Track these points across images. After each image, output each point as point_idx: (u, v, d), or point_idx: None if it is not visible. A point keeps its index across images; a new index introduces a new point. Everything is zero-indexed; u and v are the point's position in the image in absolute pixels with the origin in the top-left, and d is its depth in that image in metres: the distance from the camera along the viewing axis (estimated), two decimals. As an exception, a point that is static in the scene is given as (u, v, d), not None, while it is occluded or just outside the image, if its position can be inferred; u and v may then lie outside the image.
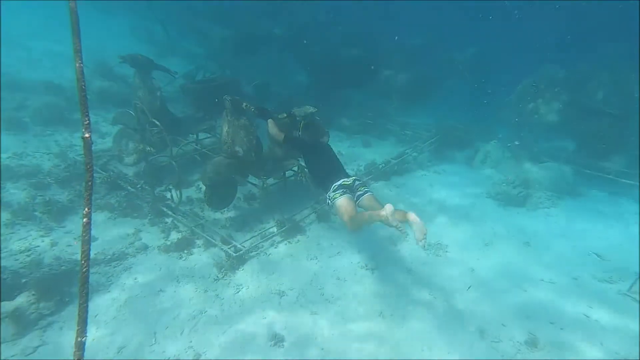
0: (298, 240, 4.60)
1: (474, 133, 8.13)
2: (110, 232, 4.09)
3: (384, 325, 3.43)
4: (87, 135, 1.93)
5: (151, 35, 13.12)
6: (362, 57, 9.20)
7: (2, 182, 4.35)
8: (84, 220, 1.73)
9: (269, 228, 4.67)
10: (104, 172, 4.95)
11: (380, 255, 4.43)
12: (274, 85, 9.16)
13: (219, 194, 4.58)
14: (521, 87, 7.98)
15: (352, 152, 7.65)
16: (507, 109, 8.13)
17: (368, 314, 3.55)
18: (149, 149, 4.38)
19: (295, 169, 5.35)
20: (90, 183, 1.89)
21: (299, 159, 5.23)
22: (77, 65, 2.12)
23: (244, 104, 4.20)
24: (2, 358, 2.63)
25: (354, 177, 3.98)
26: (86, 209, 1.76)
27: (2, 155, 4.94)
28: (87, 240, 1.76)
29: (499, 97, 8.79)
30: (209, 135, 6.05)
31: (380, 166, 6.57)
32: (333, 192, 3.80)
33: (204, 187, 4.49)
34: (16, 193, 4.26)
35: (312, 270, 4.12)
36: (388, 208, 3.13)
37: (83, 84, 2.04)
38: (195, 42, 11.80)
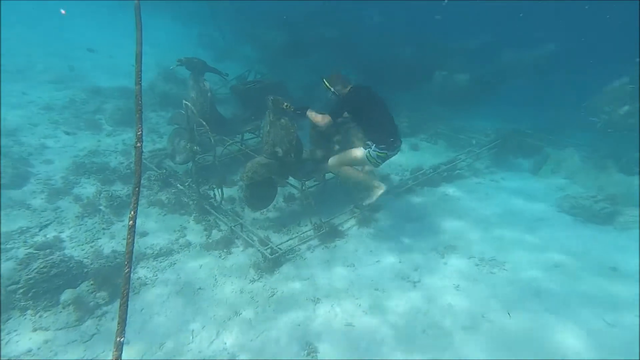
0: (335, 245, 4.41)
1: (542, 138, 7.11)
2: (159, 228, 4.33)
3: (426, 343, 3.09)
4: (139, 144, 1.96)
5: (213, 41, 13.92)
6: (415, 58, 8.65)
7: (78, 177, 4.87)
8: (129, 222, 1.74)
9: (307, 231, 4.55)
10: (158, 170, 5.27)
11: (424, 267, 4.04)
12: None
13: (258, 194, 4.57)
14: (611, 87, 6.73)
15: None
16: (588, 112, 6.94)
17: (408, 332, 3.22)
18: (195, 148, 4.52)
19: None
20: (137, 188, 1.90)
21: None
22: (137, 87, 2.17)
23: (285, 104, 4.10)
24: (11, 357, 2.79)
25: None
26: (132, 212, 1.77)
27: (80, 153, 5.54)
28: (131, 242, 1.76)
29: (572, 99, 7.58)
30: (254, 135, 6.13)
31: (428, 171, 6.04)
32: (376, 148, 4.06)
33: (243, 185, 4.52)
34: (87, 188, 4.73)
35: (348, 278, 3.90)
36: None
37: (140, 101, 2.08)
38: (251, 47, 12.17)
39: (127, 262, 1.70)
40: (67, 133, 5.96)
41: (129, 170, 5.18)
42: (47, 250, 3.32)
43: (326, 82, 4.21)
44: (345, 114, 4.24)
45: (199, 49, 14.30)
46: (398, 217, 5.03)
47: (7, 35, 9.89)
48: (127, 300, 1.62)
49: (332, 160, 4.34)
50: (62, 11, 11.82)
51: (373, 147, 4.05)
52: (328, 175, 5.24)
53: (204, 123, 4.23)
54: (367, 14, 11.66)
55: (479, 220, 4.99)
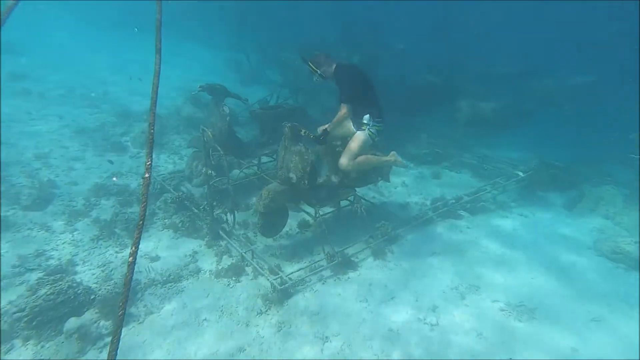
0: (348, 278, 4.19)
1: (576, 173, 6.64)
2: (171, 252, 4.30)
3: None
4: (147, 175, 1.93)
5: (239, 66, 14.49)
6: (438, 85, 8.53)
7: (98, 199, 5.00)
8: (129, 259, 1.65)
9: (319, 261, 4.37)
10: (175, 192, 5.33)
11: (444, 309, 3.73)
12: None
13: (272, 221, 4.48)
14: None
15: (418, 183, 6.96)
16: (632, 146, 6.44)
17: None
18: (210, 172, 4.54)
19: (351, 198, 5.00)
20: (142, 222, 1.84)
21: (355, 189, 4.88)
22: (151, 116, 2.18)
23: (303, 130, 4.05)
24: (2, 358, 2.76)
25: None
26: (133, 248, 1.69)
27: (104, 174, 5.73)
28: (129, 280, 1.67)
29: (609, 132, 7.11)
30: (272, 158, 6.14)
31: (451, 202, 5.73)
32: (374, 123, 4.13)
33: (257, 212, 4.44)
34: (106, 210, 4.82)
35: (361, 315, 3.66)
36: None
37: (153, 129, 2.07)
38: (277, 71, 12.53)
39: (122, 305, 1.61)
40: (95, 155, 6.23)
41: (147, 192, 5.26)
42: (58, 276, 3.33)
43: (312, 65, 4.13)
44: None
45: (227, 73, 14.96)
46: (416, 250, 4.75)
47: (52, 61, 10.80)
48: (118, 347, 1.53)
49: (343, 160, 4.20)
50: (135, 29, 12.71)
51: (371, 123, 4.10)
52: (343, 203, 5.10)
53: (219, 147, 4.24)
54: (391, 42, 11.79)
55: (506, 259, 4.62)
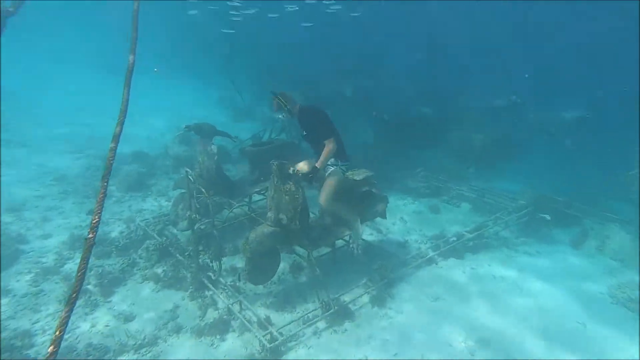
0: (345, 330, 3.85)
1: (577, 208, 6.52)
2: (149, 309, 3.96)
3: None
4: (90, 235, 1.71)
5: (233, 102, 14.75)
6: (433, 117, 8.65)
7: (73, 252, 4.71)
8: (50, 349, 1.42)
9: (313, 310, 4.04)
10: (158, 238, 5.06)
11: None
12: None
13: (261, 266, 4.19)
14: None
15: (417, 218, 6.76)
16: (628, 182, 6.38)
17: None
18: (194, 216, 4.32)
19: (347, 238, 4.77)
20: (77, 290, 1.62)
21: (351, 227, 4.66)
22: (109, 155, 2.01)
23: (291, 168, 3.91)
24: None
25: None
26: (57, 332, 1.46)
27: (82, 223, 5.48)
28: None
29: (608, 165, 7.11)
30: (264, 196, 5.96)
31: (452, 239, 5.50)
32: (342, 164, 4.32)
33: (244, 258, 4.15)
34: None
35: (360, 376, 3.28)
36: None
37: (106, 183, 1.88)
38: (270, 106, 12.75)
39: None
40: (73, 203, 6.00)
41: (128, 240, 5.01)
42: (7, 354, 2.97)
43: (281, 99, 4.17)
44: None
45: (219, 109, 15.21)
46: (418, 295, 4.45)
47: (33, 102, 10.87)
48: None
49: (322, 200, 4.26)
50: (155, 69, 12.91)
51: (339, 164, 4.23)
52: (338, 243, 4.86)
53: (203, 190, 4.06)
54: (383, 75, 12.16)
55: (515, 307, 4.30)
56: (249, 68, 15.89)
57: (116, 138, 2.05)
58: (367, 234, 5.95)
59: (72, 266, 4.46)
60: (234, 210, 5.51)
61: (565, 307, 4.33)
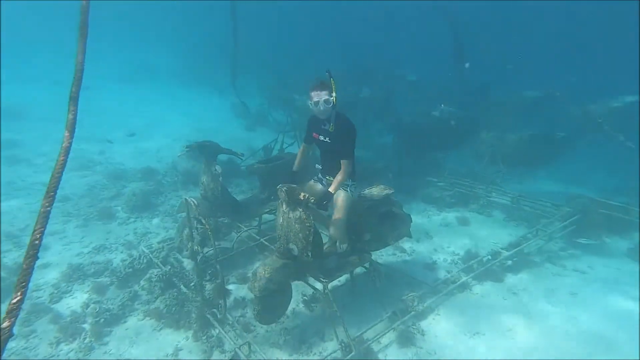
0: (369, 378, 3.38)
1: (633, 212, 5.79)
2: (148, 352, 3.63)
3: None
4: (5, 324, 1.36)
5: (245, 110, 14.58)
6: (457, 115, 8.05)
7: (70, 284, 4.48)
8: None
9: (332, 352, 3.61)
10: (162, 267, 4.77)
11: None
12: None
13: (271, 304, 3.79)
14: None
15: (444, 232, 6.22)
16: None
17: None
18: (196, 247, 3.99)
19: (367, 265, 4.31)
20: None
21: (371, 253, 4.21)
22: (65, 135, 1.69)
23: (302, 194, 3.47)
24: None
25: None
26: None
27: (84, 250, 5.27)
28: None
29: None
30: (275, 216, 5.60)
31: (486, 258, 4.94)
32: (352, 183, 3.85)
33: (252, 296, 3.76)
34: (76, 299, 4.27)
35: None
36: None
37: (37, 247, 1.54)
38: (284, 113, 12.44)
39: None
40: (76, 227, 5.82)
41: (130, 270, 4.74)
42: None
43: (333, 84, 3.42)
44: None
45: (232, 118, 15.08)
46: (452, 329, 3.94)
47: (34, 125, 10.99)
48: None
49: (334, 230, 3.80)
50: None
51: (350, 184, 3.78)
52: (358, 270, 4.41)
53: (204, 221, 3.72)
54: (402, 73, 11.65)
55: (569, 336, 3.72)
56: (260, 74, 15.73)
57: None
58: (389, 254, 5.48)
59: (69, 301, 4.22)
60: (243, 234, 5.19)
61: (630, 333, 3.70)
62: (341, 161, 3.56)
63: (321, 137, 3.72)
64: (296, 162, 4.05)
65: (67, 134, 1.82)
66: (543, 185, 8.68)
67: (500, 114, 8.64)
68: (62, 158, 1.74)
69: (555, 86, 8.56)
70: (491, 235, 6.09)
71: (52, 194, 1.68)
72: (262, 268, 3.66)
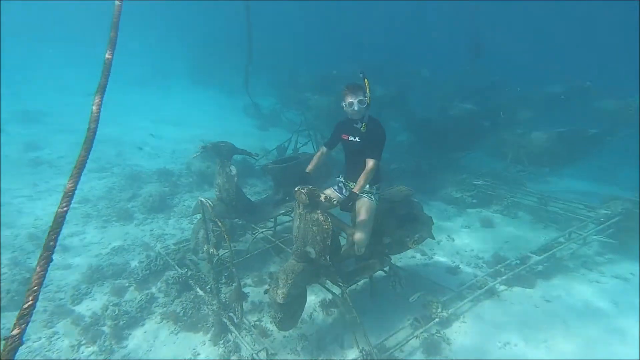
0: (393, 389, 3.26)
1: None
2: (167, 356, 3.61)
3: None
4: (15, 331, 1.31)
5: (258, 110, 14.59)
6: (476, 113, 7.79)
7: (90, 286, 4.53)
8: None
9: (352, 360, 3.50)
10: (179, 269, 4.77)
11: None
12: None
13: (292, 310, 3.70)
14: None
15: (466, 235, 6.02)
16: None
17: None
18: (212, 250, 3.96)
19: (386, 269, 4.18)
20: None
21: (390, 256, 4.08)
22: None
23: (323, 195, 3.36)
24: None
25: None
26: None
27: (102, 251, 5.33)
28: None
29: None
30: (291, 217, 5.53)
31: (515, 263, 4.73)
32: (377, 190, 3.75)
33: (273, 303, 3.66)
34: (96, 301, 4.32)
35: None
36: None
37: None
38: (297, 112, 12.40)
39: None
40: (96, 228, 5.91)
41: (147, 272, 4.76)
42: None
43: (367, 84, 3.41)
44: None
45: (244, 118, 15.14)
46: (480, 338, 3.77)
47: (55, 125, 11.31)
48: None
49: (359, 236, 3.62)
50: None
51: (374, 191, 3.68)
52: (377, 274, 4.28)
53: (220, 223, 3.67)
54: (416, 68, 11.41)
55: (612, 351, 3.49)
56: (273, 73, 15.73)
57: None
58: (409, 257, 5.33)
59: (89, 303, 4.27)
60: (258, 236, 5.14)
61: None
62: (367, 160, 3.45)
63: (351, 138, 3.64)
64: (311, 163, 3.94)
65: (92, 125, 1.79)
66: (569, 184, 8.31)
67: (524, 110, 8.34)
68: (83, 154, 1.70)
69: (581, 79, 8.19)
70: (517, 237, 5.85)
71: (70, 194, 1.64)
72: (283, 274, 3.56)
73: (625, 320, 3.94)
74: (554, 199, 6.49)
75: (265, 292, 4.38)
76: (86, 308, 4.18)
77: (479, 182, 7.13)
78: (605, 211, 5.50)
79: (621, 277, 4.66)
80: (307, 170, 3.86)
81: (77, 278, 4.63)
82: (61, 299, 4.27)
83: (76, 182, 1.71)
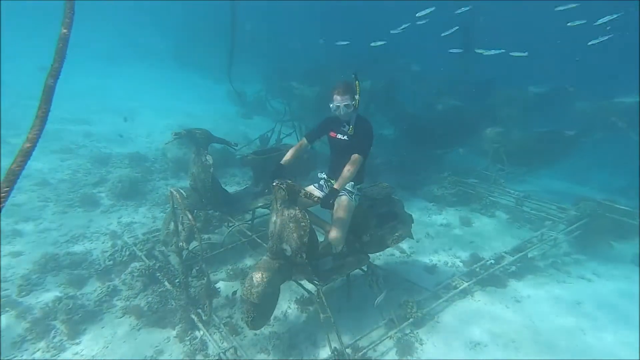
0: (365, 391, 3.18)
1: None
2: (125, 354, 3.39)
3: None
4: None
5: (241, 99, 14.12)
6: (461, 110, 7.79)
7: (43, 276, 4.19)
8: None
9: (324, 360, 3.39)
10: (146, 260, 4.50)
11: None
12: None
13: (264, 309, 3.53)
14: None
15: (445, 233, 6.02)
16: None
17: None
18: (181, 244, 3.72)
19: (364, 268, 4.07)
20: None
21: (369, 255, 3.97)
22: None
23: (303, 191, 3.18)
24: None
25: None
26: None
27: (60, 239, 4.96)
28: None
29: None
30: (269, 210, 5.33)
31: (489, 263, 4.75)
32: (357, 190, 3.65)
33: (244, 303, 3.47)
34: (49, 292, 4.00)
35: None
36: None
37: None
38: (283, 101, 12.10)
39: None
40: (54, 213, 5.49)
41: (110, 262, 4.47)
42: None
43: (357, 86, 3.30)
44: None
45: (228, 105, 14.64)
46: (452, 339, 3.76)
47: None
48: None
49: (334, 234, 3.48)
50: None
51: (355, 192, 3.57)
52: (355, 272, 4.17)
53: (190, 217, 3.44)
54: (405, 63, 11.29)
55: (577, 350, 3.54)
56: (259, 60, 15.27)
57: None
58: (388, 254, 5.27)
59: (39, 296, 3.94)
60: (234, 229, 4.92)
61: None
62: (353, 155, 3.29)
63: (339, 136, 3.52)
64: (287, 155, 3.67)
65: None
66: (546, 184, 8.51)
67: (507, 109, 8.42)
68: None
69: (566, 81, 8.34)
70: (494, 237, 5.91)
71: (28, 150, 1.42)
72: (258, 273, 3.36)
73: (585, 312, 4.08)
74: (529, 199, 6.60)
75: (234, 293, 4.21)
76: (36, 300, 3.85)
77: (474, 181, 7.16)
78: (575, 212, 5.64)
79: (586, 278, 4.81)
80: (282, 162, 3.61)
81: (28, 267, 4.26)
82: (4, 292, 3.90)
83: (38, 135, 1.47)
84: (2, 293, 3.84)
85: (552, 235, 5.23)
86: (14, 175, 1.41)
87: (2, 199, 1.29)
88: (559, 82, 8.20)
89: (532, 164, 7.47)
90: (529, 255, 5.00)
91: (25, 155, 1.46)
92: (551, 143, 7.02)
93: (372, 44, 8.22)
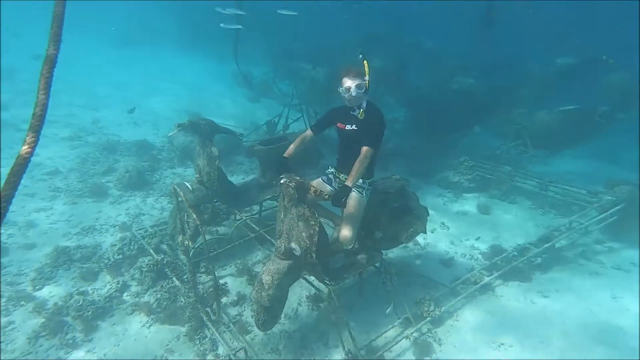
0: (379, 394, 3.08)
1: None
2: (136, 353, 3.37)
3: None
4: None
5: (248, 79, 13.74)
6: (478, 89, 7.30)
7: (55, 269, 4.19)
8: None
9: (336, 362, 3.30)
10: (155, 255, 4.45)
11: None
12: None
13: (275, 310, 3.42)
14: None
15: (462, 222, 5.76)
16: None
17: None
18: (187, 242, 3.62)
19: (377, 264, 3.90)
20: None
21: (382, 252, 3.79)
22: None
23: (313, 189, 2.98)
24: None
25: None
26: None
27: (72, 230, 4.95)
28: None
29: None
30: (277, 202, 5.18)
31: (512, 255, 4.50)
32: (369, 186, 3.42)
33: (254, 305, 3.37)
34: (60, 287, 4.00)
35: None
36: None
37: None
38: (291, 84, 11.70)
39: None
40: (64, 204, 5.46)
41: (120, 256, 4.44)
42: None
43: (366, 67, 3.06)
44: None
45: (234, 88, 14.31)
46: (473, 338, 3.58)
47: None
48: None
49: (346, 233, 3.26)
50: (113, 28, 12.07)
51: (366, 187, 3.36)
52: (368, 269, 4.01)
53: (194, 215, 3.30)
54: (417, 40, 10.69)
55: (613, 355, 3.33)
56: (266, 41, 14.72)
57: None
58: (401, 247, 5.05)
59: (51, 289, 3.96)
60: (241, 224, 4.79)
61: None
62: (362, 148, 3.04)
63: (347, 126, 3.26)
64: (291, 147, 3.43)
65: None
66: (571, 165, 8.02)
67: (529, 87, 7.88)
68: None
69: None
70: (516, 225, 5.63)
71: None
72: (267, 275, 3.22)
73: (622, 306, 3.83)
74: (554, 183, 6.20)
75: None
76: (49, 295, 3.86)
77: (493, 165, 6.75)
78: (610, 197, 5.22)
79: (622, 268, 4.49)
80: (285, 155, 3.38)
81: (41, 260, 4.27)
82: (19, 285, 3.92)
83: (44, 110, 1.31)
84: (18, 287, 3.86)
85: (582, 224, 4.87)
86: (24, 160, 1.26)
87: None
88: (590, 54, 7.53)
89: (559, 146, 7.00)
90: (556, 245, 4.72)
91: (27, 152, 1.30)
92: (581, 121, 6.49)
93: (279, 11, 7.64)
